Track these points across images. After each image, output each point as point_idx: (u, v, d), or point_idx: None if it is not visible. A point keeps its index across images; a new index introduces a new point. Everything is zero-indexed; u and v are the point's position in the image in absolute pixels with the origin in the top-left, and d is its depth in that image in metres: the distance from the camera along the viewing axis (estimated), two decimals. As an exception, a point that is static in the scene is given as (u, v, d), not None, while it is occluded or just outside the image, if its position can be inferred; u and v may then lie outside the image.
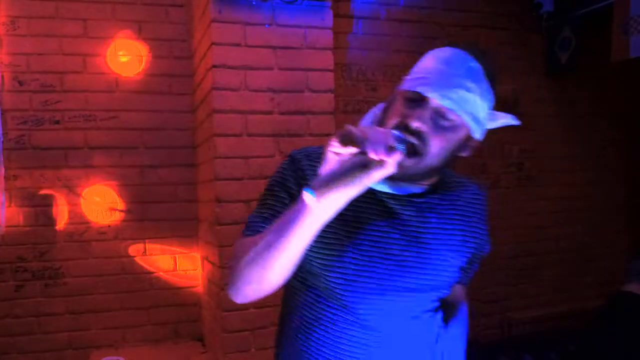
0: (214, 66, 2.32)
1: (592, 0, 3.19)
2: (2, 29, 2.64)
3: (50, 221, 2.75)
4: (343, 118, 2.78)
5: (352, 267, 1.06)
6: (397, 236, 1.08)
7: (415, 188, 1.11)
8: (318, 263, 1.08)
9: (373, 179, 0.86)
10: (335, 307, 1.09)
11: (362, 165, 0.84)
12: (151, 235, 2.87)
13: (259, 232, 1.04)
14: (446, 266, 1.12)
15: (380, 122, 1.07)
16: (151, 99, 2.86)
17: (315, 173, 0.97)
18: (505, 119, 1.11)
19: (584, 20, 3.29)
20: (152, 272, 2.88)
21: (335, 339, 1.09)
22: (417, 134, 0.99)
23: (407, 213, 1.10)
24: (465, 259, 1.16)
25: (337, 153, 0.86)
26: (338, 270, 1.07)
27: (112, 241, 2.82)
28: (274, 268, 0.95)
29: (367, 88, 3.04)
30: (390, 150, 0.84)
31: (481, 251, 1.21)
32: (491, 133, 1.12)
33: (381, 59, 3.04)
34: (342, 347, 1.08)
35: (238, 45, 2.34)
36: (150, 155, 2.86)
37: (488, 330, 3.41)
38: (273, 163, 2.30)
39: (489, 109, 1.06)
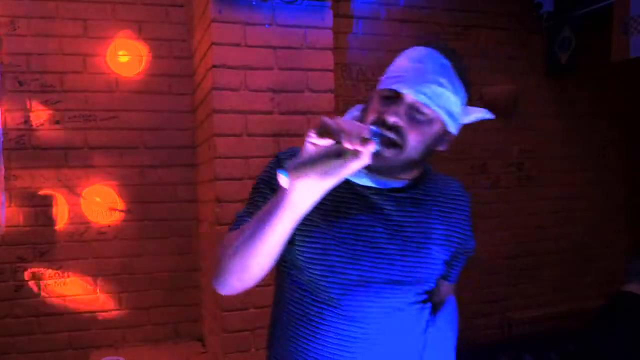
0: (214, 66, 2.32)
1: (592, 0, 3.18)
2: (2, 29, 2.64)
3: (50, 221, 2.75)
4: (343, 118, 2.77)
5: (336, 260, 1.09)
6: (380, 229, 1.11)
7: (397, 182, 1.14)
8: (303, 257, 1.11)
9: (349, 170, 0.88)
10: (321, 301, 1.11)
11: (336, 153, 0.86)
12: (151, 235, 2.87)
13: None
14: (430, 259, 1.14)
15: (360, 121, 1.10)
16: (151, 99, 2.86)
17: None
18: (480, 114, 1.16)
19: (584, 20, 3.29)
20: (152, 272, 2.88)
21: (323, 334, 1.11)
22: (394, 128, 1.04)
23: (389, 207, 1.13)
24: (448, 253, 1.18)
25: (314, 144, 0.88)
26: (322, 264, 1.09)
27: (112, 241, 2.82)
28: (256, 257, 0.97)
29: (367, 88, 3.04)
30: (364, 141, 0.86)
31: (465, 248, 1.23)
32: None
33: (381, 59, 3.03)
34: (330, 340, 1.10)
35: (238, 45, 2.34)
36: (150, 155, 2.86)
37: (488, 330, 3.41)
38: (273, 163, 2.30)
39: (462, 104, 1.11)
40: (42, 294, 2.74)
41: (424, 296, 1.17)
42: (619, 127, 3.74)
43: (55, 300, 2.75)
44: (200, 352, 2.79)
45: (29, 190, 2.71)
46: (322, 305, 1.11)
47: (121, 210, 2.83)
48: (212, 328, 2.69)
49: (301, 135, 2.53)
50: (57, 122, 2.74)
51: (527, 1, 3.42)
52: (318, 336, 1.11)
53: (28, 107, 2.70)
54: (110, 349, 2.79)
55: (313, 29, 2.42)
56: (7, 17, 2.65)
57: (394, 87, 1.07)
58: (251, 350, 2.39)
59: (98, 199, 2.80)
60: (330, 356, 1.10)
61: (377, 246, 1.10)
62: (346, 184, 1.11)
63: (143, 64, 2.84)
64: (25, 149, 2.70)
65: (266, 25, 2.36)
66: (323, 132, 0.86)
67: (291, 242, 1.10)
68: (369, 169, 1.08)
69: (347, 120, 0.91)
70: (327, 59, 2.47)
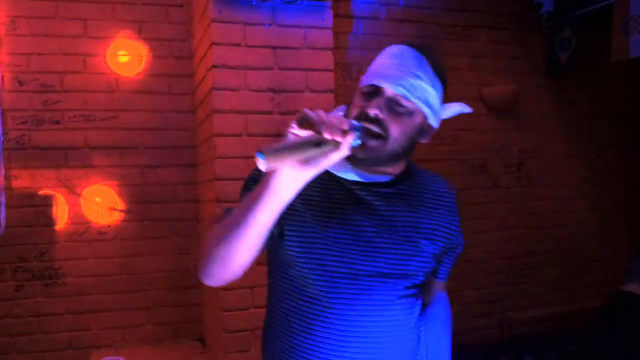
0: (214, 66, 2.33)
1: (592, 0, 3.18)
2: (2, 29, 2.64)
3: (50, 221, 2.74)
4: (343, 118, 2.78)
5: (324, 253, 1.10)
6: (366, 223, 1.13)
7: (382, 177, 1.16)
8: (292, 252, 1.12)
9: (330, 161, 0.91)
10: (311, 295, 1.12)
11: (316, 143, 0.89)
12: (151, 235, 2.87)
13: None
14: (418, 251, 1.15)
15: None
16: (151, 99, 2.86)
17: None
18: (458, 107, 1.21)
19: (584, 20, 3.29)
20: (152, 272, 2.88)
21: (314, 328, 1.12)
22: (376, 121, 1.08)
23: (377, 202, 1.15)
24: (436, 247, 1.19)
25: (295, 135, 0.90)
26: (310, 258, 1.11)
27: (112, 241, 2.82)
28: (240, 245, 0.98)
29: (367, 88, 3.04)
30: (344, 133, 0.89)
31: (453, 243, 1.24)
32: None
33: (381, 59, 3.04)
34: (321, 335, 1.11)
35: (238, 45, 2.34)
36: (150, 155, 2.86)
37: (488, 330, 3.40)
38: (273, 163, 2.30)
39: (439, 98, 1.15)
40: (42, 294, 2.74)
41: (414, 290, 1.18)
42: (619, 127, 3.74)
43: (55, 300, 2.75)
44: (200, 352, 2.79)
45: (29, 190, 2.71)
46: (312, 300, 1.12)
47: (121, 210, 2.83)
48: (212, 328, 2.69)
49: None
50: (57, 122, 2.73)
51: (527, 1, 3.42)
52: (310, 331, 1.12)
53: (28, 107, 2.70)
54: (110, 349, 2.78)
55: (313, 29, 2.42)
56: (7, 17, 2.65)
57: (374, 82, 1.11)
58: (251, 350, 2.39)
59: (98, 199, 2.80)
60: (322, 350, 1.11)
61: (365, 239, 1.12)
62: (334, 179, 1.14)
63: (143, 64, 2.84)
64: (25, 149, 2.70)
65: (266, 25, 2.36)
66: (304, 123, 0.89)
67: (281, 237, 1.12)
68: (354, 162, 1.11)
69: (328, 113, 0.93)
70: (327, 59, 2.47)
